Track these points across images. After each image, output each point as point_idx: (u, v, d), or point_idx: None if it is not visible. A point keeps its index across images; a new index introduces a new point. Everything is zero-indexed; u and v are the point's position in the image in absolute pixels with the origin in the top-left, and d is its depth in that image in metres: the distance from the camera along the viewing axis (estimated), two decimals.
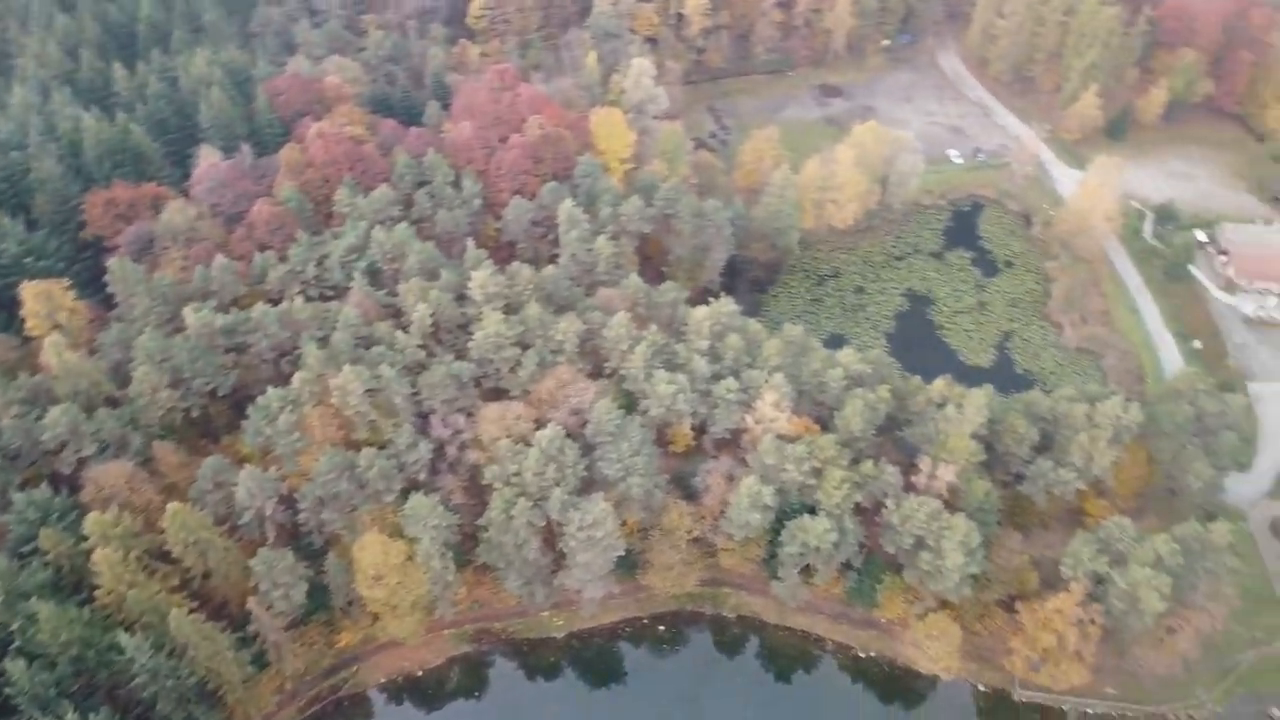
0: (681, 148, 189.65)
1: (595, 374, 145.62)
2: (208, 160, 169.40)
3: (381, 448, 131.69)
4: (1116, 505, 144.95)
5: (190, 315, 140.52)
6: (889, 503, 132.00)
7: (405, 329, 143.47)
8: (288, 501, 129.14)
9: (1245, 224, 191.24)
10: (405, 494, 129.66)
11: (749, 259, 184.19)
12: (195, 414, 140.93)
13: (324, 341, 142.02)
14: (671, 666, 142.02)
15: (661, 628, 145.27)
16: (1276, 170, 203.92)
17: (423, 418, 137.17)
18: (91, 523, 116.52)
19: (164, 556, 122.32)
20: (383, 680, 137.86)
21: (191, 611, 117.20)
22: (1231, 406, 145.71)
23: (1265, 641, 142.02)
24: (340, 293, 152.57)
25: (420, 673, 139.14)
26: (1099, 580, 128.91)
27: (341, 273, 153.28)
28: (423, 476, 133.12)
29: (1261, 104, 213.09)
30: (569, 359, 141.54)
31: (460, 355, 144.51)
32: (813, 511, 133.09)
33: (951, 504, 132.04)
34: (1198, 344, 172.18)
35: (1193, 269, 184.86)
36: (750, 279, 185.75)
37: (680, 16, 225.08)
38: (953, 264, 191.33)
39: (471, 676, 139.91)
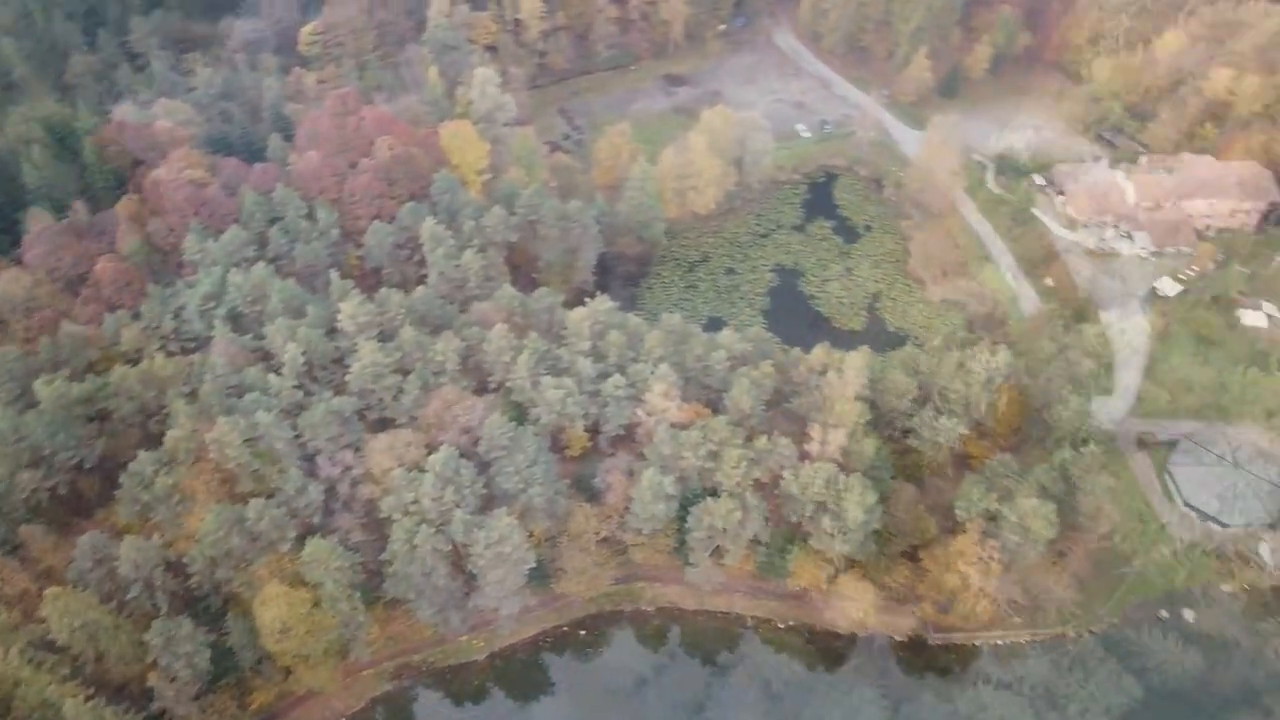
0: (536, 153, 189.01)
1: (481, 390, 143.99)
2: (38, 223, 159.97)
3: (270, 496, 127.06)
4: (998, 444, 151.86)
5: (41, 388, 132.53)
6: (786, 474, 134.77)
7: (277, 371, 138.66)
8: (177, 567, 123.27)
9: (1078, 164, 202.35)
10: (302, 540, 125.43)
11: (619, 255, 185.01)
12: (63, 491, 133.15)
13: (192, 396, 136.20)
14: (598, 668, 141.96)
15: (583, 632, 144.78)
16: (1098, 110, 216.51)
17: (309, 459, 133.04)
18: None
19: (50, 646, 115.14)
20: None
21: (88, 699, 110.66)
22: (1088, 336, 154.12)
23: (1145, 550, 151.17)
24: (203, 343, 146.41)
25: (344, 718, 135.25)
26: (991, 518, 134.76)
27: (201, 322, 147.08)
28: (317, 519, 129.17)
29: (1076, 50, 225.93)
30: (452, 378, 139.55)
31: (339, 390, 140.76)
32: (715, 494, 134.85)
33: (846, 466, 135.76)
34: (1050, 281, 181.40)
35: (1036, 212, 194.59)
36: (622, 274, 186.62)
37: (518, 22, 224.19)
38: (815, 235, 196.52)
39: (396, 714, 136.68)
